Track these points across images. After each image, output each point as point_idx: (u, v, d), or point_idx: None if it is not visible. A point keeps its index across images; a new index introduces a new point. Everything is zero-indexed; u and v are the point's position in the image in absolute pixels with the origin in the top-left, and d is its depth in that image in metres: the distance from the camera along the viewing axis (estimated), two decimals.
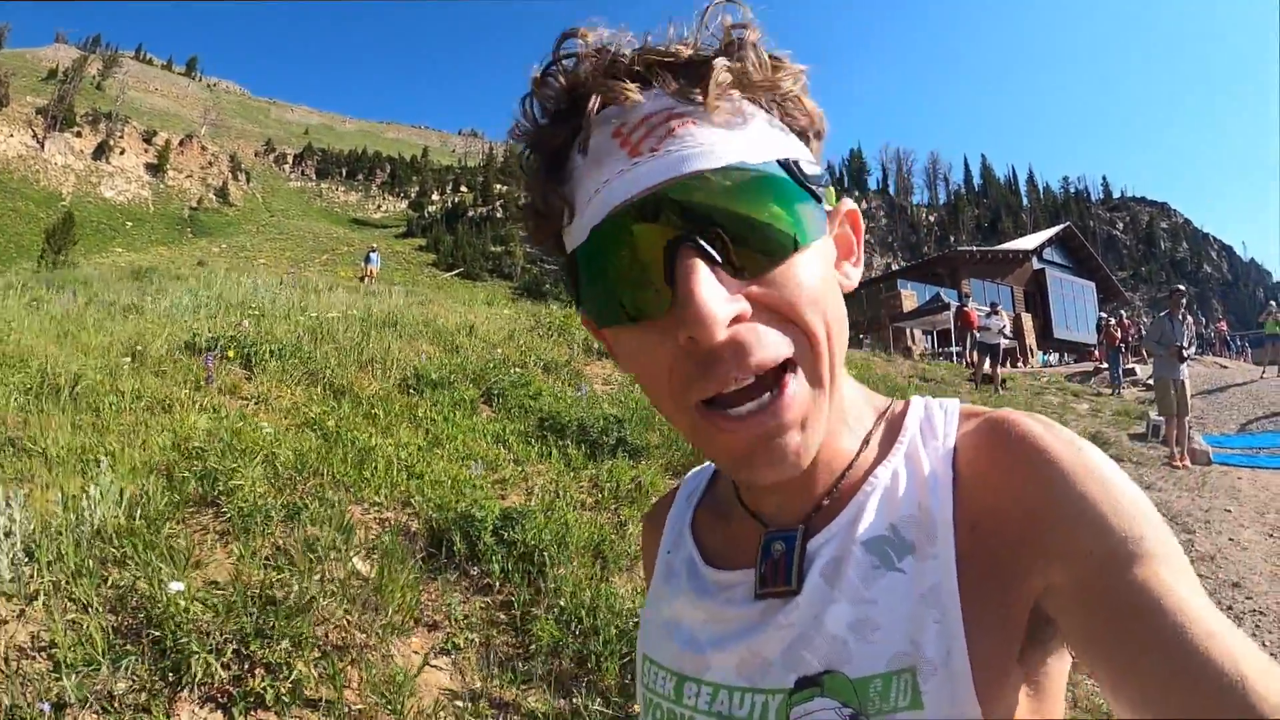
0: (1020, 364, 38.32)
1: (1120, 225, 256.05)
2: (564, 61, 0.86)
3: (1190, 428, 13.77)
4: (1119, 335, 26.08)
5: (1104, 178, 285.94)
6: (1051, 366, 37.58)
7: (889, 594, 0.83)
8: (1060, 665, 0.86)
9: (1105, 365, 26.19)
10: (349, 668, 4.10)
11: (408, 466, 6.50)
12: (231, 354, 8.71)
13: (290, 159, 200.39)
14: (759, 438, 0.81)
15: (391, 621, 4.48)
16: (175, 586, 4.19)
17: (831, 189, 0.90)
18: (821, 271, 0.84)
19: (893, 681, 0.79)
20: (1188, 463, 12.81)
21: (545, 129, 0.88)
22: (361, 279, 34.10)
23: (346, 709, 3.88)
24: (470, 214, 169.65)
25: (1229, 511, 9.70)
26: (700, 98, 0.79)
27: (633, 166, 0.79)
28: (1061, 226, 61.12)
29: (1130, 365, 27.10)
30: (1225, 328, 48.70)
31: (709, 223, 0.77)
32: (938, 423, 0.95)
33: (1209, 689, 0.66)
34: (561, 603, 4.93)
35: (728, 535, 1.06)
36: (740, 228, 0.78)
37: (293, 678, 3.91)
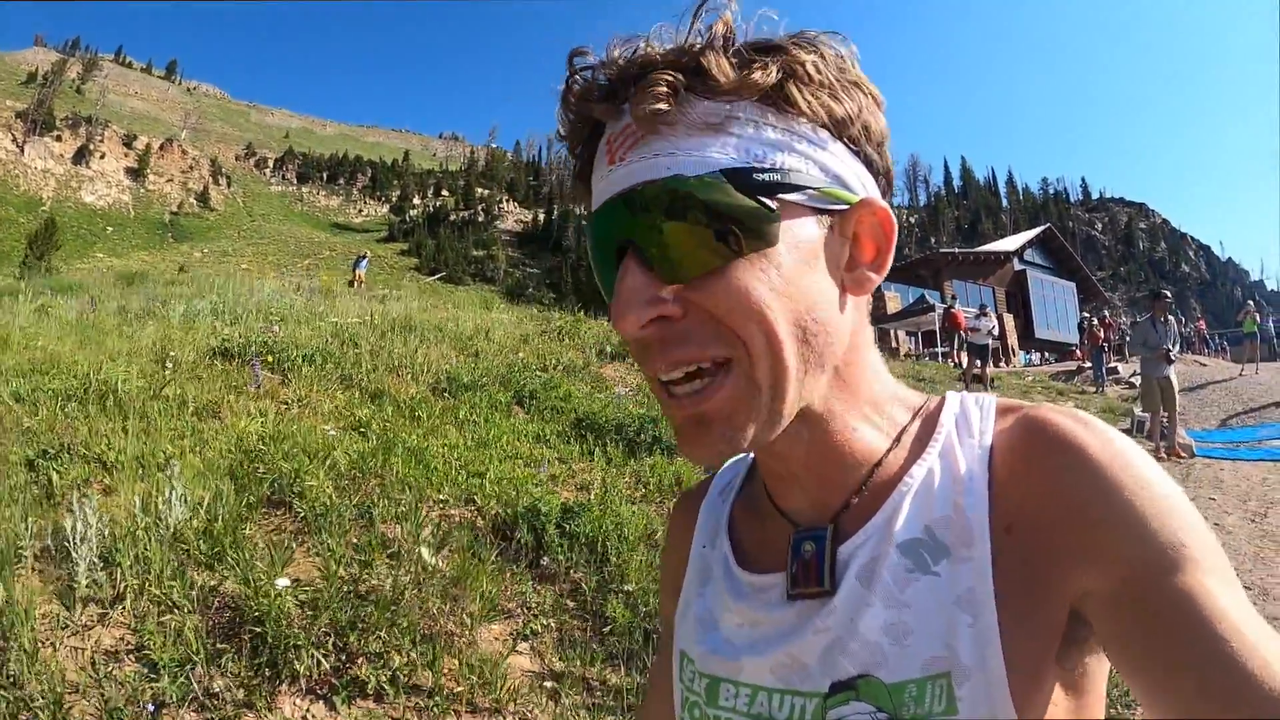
0: (1003, 364, 38.70)
1: (1099, 225, 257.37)
2: (579, 75, 0.89)
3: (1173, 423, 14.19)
4: (1102, 335, 26.57)
5: (1083, 179, 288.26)
6: (1034, 366, 38.04)
7: (924, 598, 0.83)
8: (1100, 667, 0.86)
9: (1088, 364, 26.83)
10: (442, 655, 4.35)
11: (465, 465, 6.75)
12: (270, 359, 8.92)
13: (271, 163, 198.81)
14: (688, 419, 0.85)
15: (473, 611, 4.74)
16: (282, 583, 4.43)
17: (839, 189, 0.87)
18: (773, 280, 0.82)
19: (928, 686, 0.80)
20: (1180, 454, 13.24)
21: (570, 136, 0.93)
22: (351, 284, 33.96)
23: (444, 693, 4.12)
24: (452, 218, 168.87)
25: (1213, 500, 10.25)
26: (638, 112, 0.81)
27: (609, 173, 0.85)
28: (1042, 228, 61.58)
29: (1113, 364, 27.55)
30: (1204, 327, 49.09)
31: (647, 230, 0.81)
32: (974, 420, 0.94)
33: (1249, 702, 0.67)
34: (628, 587, 5.29)
35: (761, 535, 1.06)
36: (664, 238, 0.81)
37: (394, 666, 4.19)
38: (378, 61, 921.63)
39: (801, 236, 0.84)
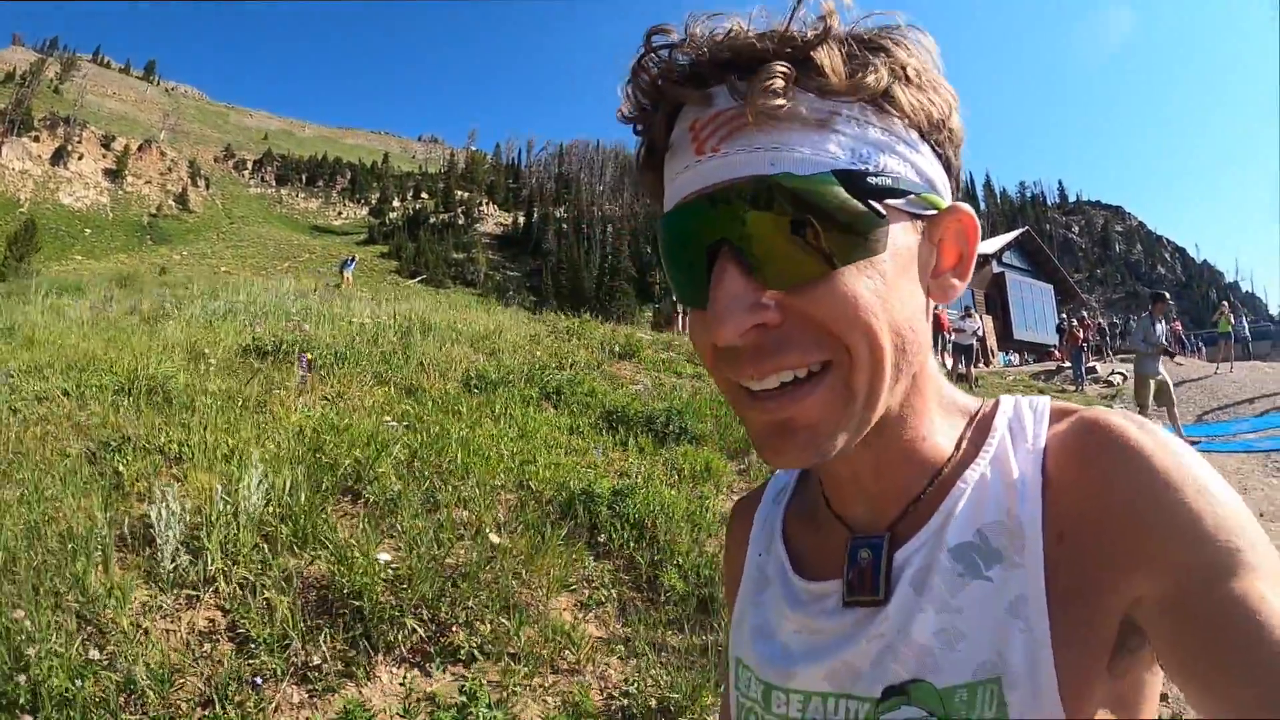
0: (983, 364, 39.21)
1: (1076, 228, 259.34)
2: (654, 54, 0.86)
3: (1157, 419, 14.84)
4: (1081, 335, 27.20)
5: (1060, 182, 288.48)
6: (1013, 366, 38.52)
7: (976, 603, 0.82)
8: (1153, 676, 0.85)
9: (1068, 364, 27.58)
10: (522, 623, 4.72)
11: (514, 455, 7.12)
12: (311, 357, 9.20)
13: (250, 165, 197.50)
14: (773, 423, 0.83)
15: (543, 584, 5.15)
16: (383, 557, 4.79)
17: (934, 195, 0.87)
18: (877, 286, 0.80)
19: (978, 691, 0.80)
20: None
21: (640, 118, 0.91)
22: (338, 287, 34.08)
23: (528, 657, 4.49)
24: (432, 220, 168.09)
25: None
26: (750, 102, 0.78)
27: (696, 163, 0.82)
28: (1020, 231, 61.86)
29: (1091, 363, 28.20)
30: (1180, 327, 49.76)
31: (748, 229, 0.79)
32: (1027, 423, 0.93)
33: None
34: (679, 560, 5.73)
35: (816, 541, 1.05)
36: (773, 240, 0.78)
37: (482, 634, 4.57)
38: (357, 63, 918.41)
39: (900, 243, 0.84)
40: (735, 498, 7.10)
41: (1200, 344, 46.89)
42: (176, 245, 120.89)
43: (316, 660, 4.21)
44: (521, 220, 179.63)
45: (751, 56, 0.79)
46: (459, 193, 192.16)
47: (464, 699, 4.00)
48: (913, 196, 0.83)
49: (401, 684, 4.23)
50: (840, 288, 0.78)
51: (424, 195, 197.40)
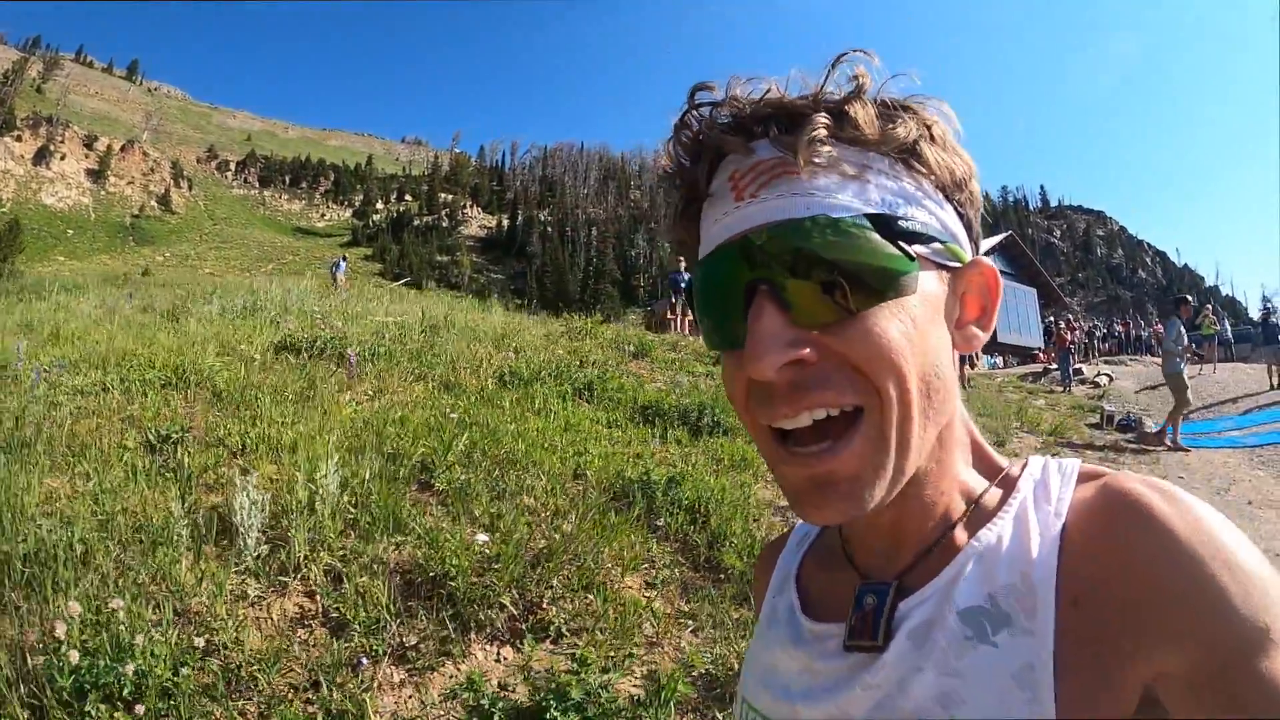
0: (968, 366, 39.48)
1: (1058, 233, 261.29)
2: (697, 111, 0.91)
3: (1145, 417, 16.13)
4: (1069, 338, 27.62)
5: (1042, 187, 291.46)
6: (999, 369, 38.89)
7: (979, 669, 0.80)
8: None
9: (1054, 366, 28.09)
10: (601, 601, 4.98)
11: (566, 446, 7.37)
12: (362, 353, 9.40)
13: (233, 166, 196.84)
14: (810, 479, 0.83)
15: (613, 565, 5.41)
16: (481, 538, 5.03)
17: (959, 246, 0.91)
18: (907, 329, 0.82)
19: None
20: (1172, 444, 14.33)
21: (682, 170, 0.94)
22: (330, 289, 34.00)
23: (609, 631, 4.73)
24: (416, 223, 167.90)
25: (1181, 479, 11.69)
26: (794, 150, 0.81)
27: (735, 209, 0.85)
28: (1004, 235, 62.16)
29: (1078, 365, 28.64)
30: (1162, 329, 50.53)
31: (785, 270, 0.81)
32: (1053, 486, 0.91)
33: None
34: (734, 540, 6.02)
35: (828, 583, 1.06)
36: (812, 279, 0.80)
37: (570, 610, 4.84)
38: (340, 64, 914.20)
39: (929, 289, 0.86)
40: (767, 484, 7.33)
41: None
42: (159, 246, 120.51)
43: (412, 640, 4.38)
44: (506, 223, 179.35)
45: (792, 111, 0.85)
46: (443, 195, 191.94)
47: (575, 665, 4.21)
48: (938, 245, 0.87)
49: (496, 660, 4.44)
50: (872, 327, 0.81)
51: (408, 197, 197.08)
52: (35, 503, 5.12)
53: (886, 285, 0.81)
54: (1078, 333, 35.90)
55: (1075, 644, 0.77)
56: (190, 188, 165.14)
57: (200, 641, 4.03)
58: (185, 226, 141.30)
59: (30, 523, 4.83)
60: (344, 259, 42.68)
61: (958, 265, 0.91)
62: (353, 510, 5.39)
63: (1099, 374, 27.00)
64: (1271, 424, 16.31)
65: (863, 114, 0.83)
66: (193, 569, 4.60)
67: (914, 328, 0.83)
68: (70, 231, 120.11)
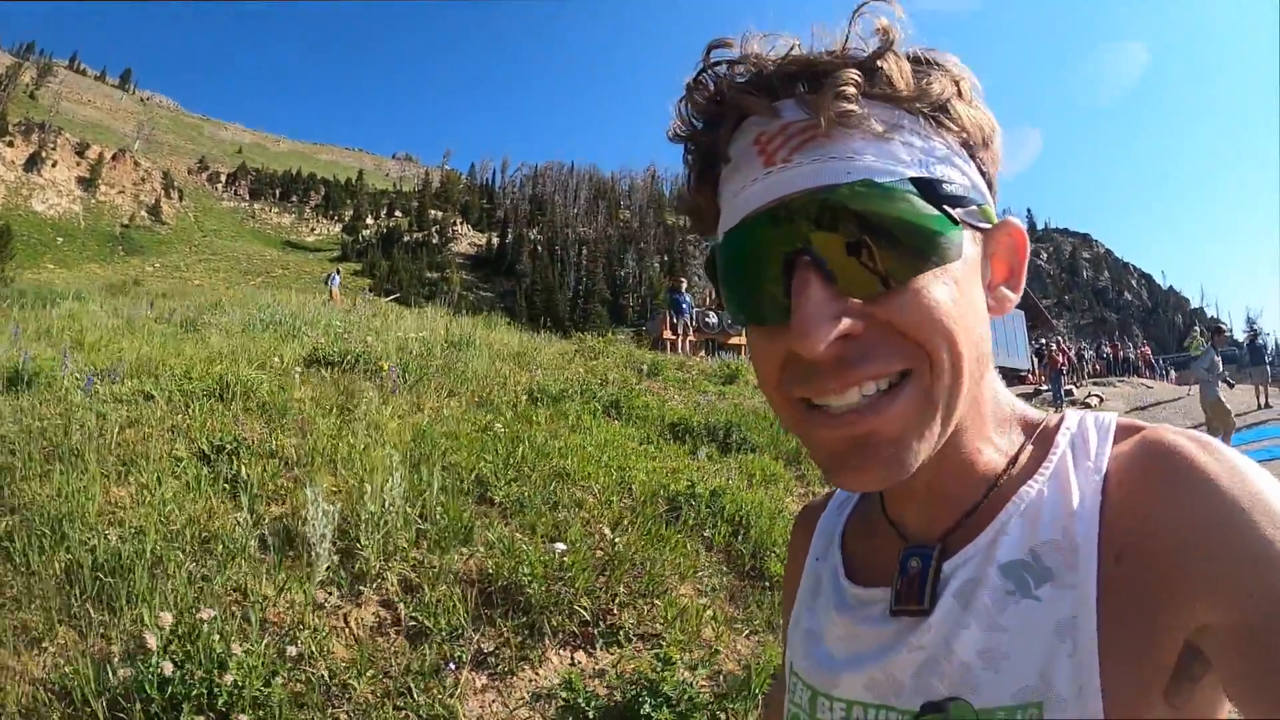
0: None
1: (1044, 255, 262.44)
2: (714, 69, 0.87)
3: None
4: (1061, 360, 28.15)
5: (1029, 210, 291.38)
6: None
7: (1022, 623, 0.80)
8: (1216, 707, 0.81)
9: (1045, 387, 28.57)
10: (662, 608, 5.22)
11: (612, 460, 7.59)
12: (386, 366, 9.59)
13: (223, 178, 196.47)
14: (852, 439, 0.81)
15: (669, 574, 5.62)
16: (559, 547, 5.27)
17: (990, 207, 0.88)
18: (954, 293, 0.80)
19: (1017, 715, 0.78)
20: None
21: (698, 134, 0.90)
22: (326, 303, 34.08)
23: (670, 636, 4.92)
24: (406, 239, 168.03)
25: None
26: (823, 110, 0.78)
27: (765, 175, 0.81)
28: None
29: (1069, 386, 29.20)
30: (1148, 352, 50.66)
31: (828, 239, 0.77)
32: (1091, 441, 0.90)
33: None
34: (776, 550, 6.30)
35: (871, 548, 1.04)
36: (857, 247, 0.77)
37: (637, 617, 5.08)
38: (332, 79, 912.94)
39: (968, 252, 0.84)
40: (798, 499, 7.50)
41: (1170, 368, 47.96)
42: (148, 257, 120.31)
43: (490, 646, 4.57)
44: (495, 241, 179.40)
45: (819, 68, 0.81)
46: (433, 212, 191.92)
47: (660, 663, 4.41)
48: (974, 208, 0.84)
49: (570, 664, 4.66)
50: (921, 294, 0.78)
51: (398, 213, 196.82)
52: (96, 511, 5.21)
53: (933, 250, 0.79)
54: (1069, 355, 36.44)
55: (1118, 598, 0.77)
56: (181, 199, 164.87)
57: (293, 650, 4.14)
58: (175, 238, 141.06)
59: (93, 532, 4.93)
60: (338, 272, 42.83)
61: (987, 226, 0.88)
62: (420, 522, 5.52)
63: (1089, 395, 27.50)
64: (1260, 442, 16.90)
65: (896, 69, 0.81)
66: (272, 579, 4.71)
67: (960, 292, 0.82)
68: (60, 239, 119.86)
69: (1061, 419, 0.96)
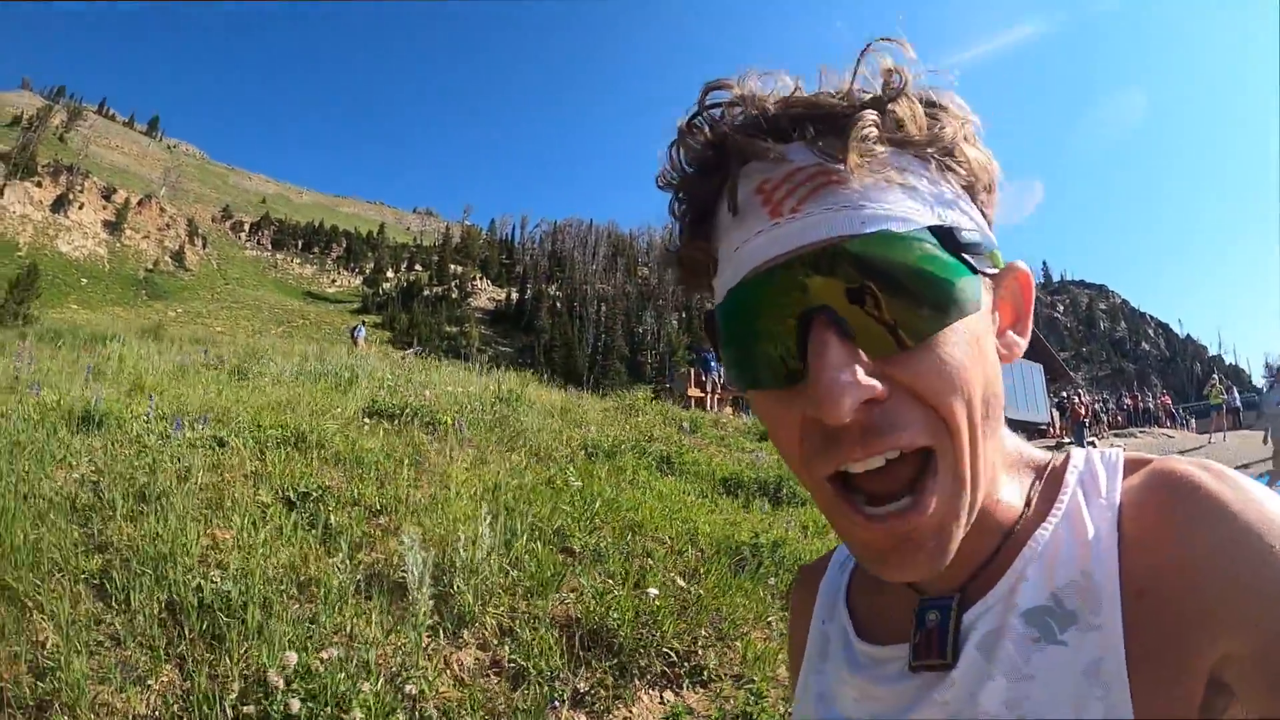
0: None
1: (1061, 308, 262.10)
2: (709, 112, 0.84)
3: None
4: (1083, 411, 28.38)
5: (1044, 263, 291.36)
6: None
7: (1049, 669, 0.79)
8: None
9: (1068, 439, 28.79)
10: (748, 648, 5.47)
11: (675, 513, 7.86)
12: (449, 421, 9.88)
13: (247, 227, 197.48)
14: (894, 538, 0.78)
15: (744, 618, 5.87)
16: (652, 592, 5.53)
17: (998, 251, 0.85)
18: (971, 347, 0.78)
19: None
20: None
21: (691, 180, 0.87)
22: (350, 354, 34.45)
23: (750, 677, 5.15)
24: (426, 293, 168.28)
25: None
26: (843, 155, 0.75)
27: (772, 228, 0.77)
28: None
29: (1091, 438, 29.50)
30: (1168, 401, 50.55)
31: (845, 295, 0.74)
32: (1100, 477, 0.89)
33: None
34: None
35: (881, 605, 1.02)
36: (876, 304, 0.74)
37: (721, 659, 5.31)
38: (355, 133, 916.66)
39: (983, 302, 0.81)
40: None
41: (1191, 417, 47.79)
42: (171, 302, 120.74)
43: (585, 687, 4.76)
44: (515, 296, 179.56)
45: (830, 111, 0.79)
46: (453, 266, 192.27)
47: (751, 697, 4.75)
48: (983, 255, 0.82)
49: (660, 702, 4.89)
50: (941, 354, 0.76)
51: (418, 267, 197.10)
52: (197, 553, 5.41)
53: (953, 303, 0.76)
54: (1090, 407, 37.13)
55: (1143, 635, 0.76)
56: (204, 246, 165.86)
57: (411, 689, 4.31)
58: (198, 284, 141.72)
59: (192, 573, 5.11)
60: (363, 324, 43.38)
61: (994, 271, 0.85)
62: (512, 569, 5.73)
63: (1111, 446, 27.36)
64: None
65: (910, 113, 0.79)
66: (377, 622, 4.91)
67: (976, 345, 0.79)
68: (85, 280, 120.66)
69: (1068, 457, 0.95)
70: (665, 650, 5.12)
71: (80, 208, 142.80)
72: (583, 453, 10.20)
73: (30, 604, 4.74)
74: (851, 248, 0.74)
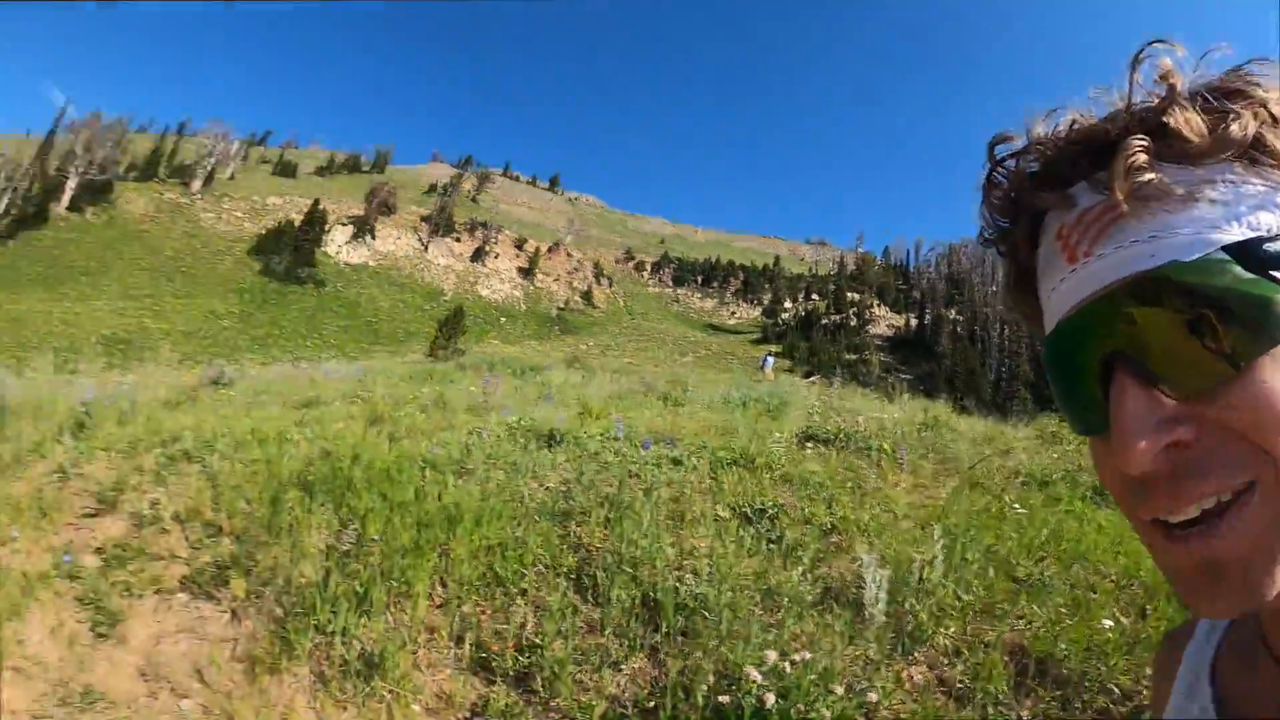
0: None
1: None
2: (1000, 169, 0.83)
3: None
4: None
5: None
6: None
7: None
8: None
9: None
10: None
11: (1120, 545, 7.46)
12: (888, 447, 10.05)
13: (648, 266, 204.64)
14: (1196, 564, 0.70)
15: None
16: (1106, 623, 5.33)
17: None
18: None
19: None
20: None
21: (1002, 236, 0.86)
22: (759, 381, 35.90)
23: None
24: (824, 321, 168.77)
25: None
26: (1117, 189, 0.71)
27: (1070, 274, 0.75)
28: None
29: None
30: None
31: (1142, 335, 0.70)
32: None
33: None
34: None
35: (1249, 686, 0.87)
36: (1172, 343, 0.69)
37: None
38: (744, 171, 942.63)
39: None
40: None
41: None
42: (581, 336, 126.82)
43: (1027, 716, 4.66)
44: (913, 322, 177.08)
45: (1103, 141, 0.75)
46: (850, 294, 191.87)
47: None
48: None
49: None
50: (1258, 386, 0.67)
51: (815, 296, 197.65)
52: (671, 558, 5.94)
53: (1263, 329, 0.67)
54: None
55: None
56: (609, 285, 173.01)
57: (873, 697, 4.45)
58: (605, 319, 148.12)
59: (664, 575, 5.64)
60: (770, 355, 44.52)
61: None
62: (963, 593, 5.74)
63: None
64: None
65: (1185, 123, 0.71)
66: (842, 632, 5.11)
67: None
68: (503, 319, 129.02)
69: None
70: (1110, 686, 4.89)
71: (495, 257, 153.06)
72: (1018, 480, 9.98)
73: (515, 590, 5.58)
74: (1142, 286, 0.70)
